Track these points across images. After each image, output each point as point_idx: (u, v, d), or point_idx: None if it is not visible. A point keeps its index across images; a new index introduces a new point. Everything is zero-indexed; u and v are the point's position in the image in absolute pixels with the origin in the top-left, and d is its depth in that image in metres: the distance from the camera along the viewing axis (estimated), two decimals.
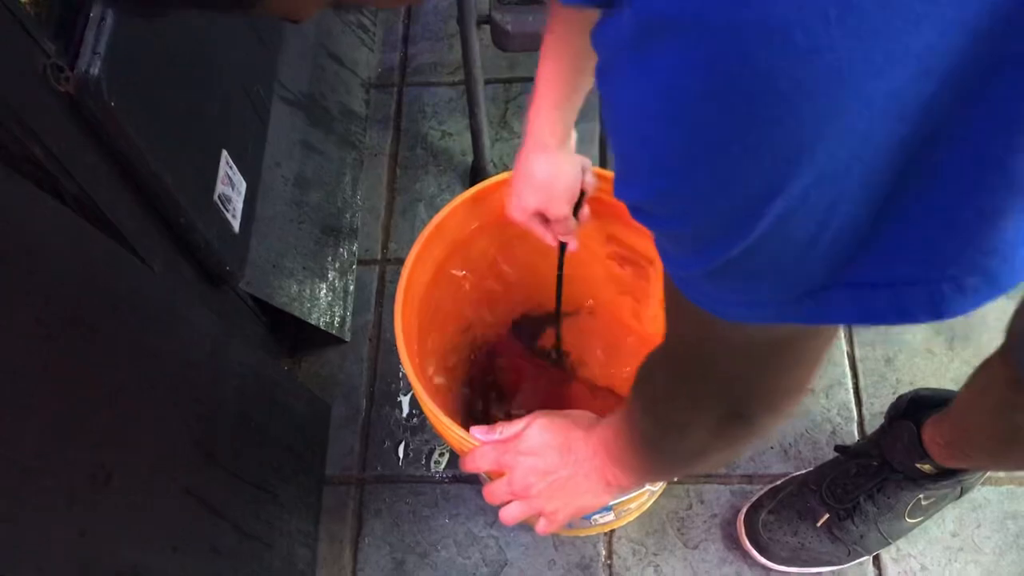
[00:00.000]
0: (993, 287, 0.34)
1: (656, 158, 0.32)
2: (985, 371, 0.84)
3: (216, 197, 0.94)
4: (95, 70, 0.71)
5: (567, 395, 1.16)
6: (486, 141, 1.31)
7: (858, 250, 0.33)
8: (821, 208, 0.31)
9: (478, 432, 0.79)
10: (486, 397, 1.13)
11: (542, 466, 0.75)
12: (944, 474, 0.98)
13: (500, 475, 0.79)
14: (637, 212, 0.35)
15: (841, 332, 1.23)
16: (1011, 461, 0.89)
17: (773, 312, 0.37)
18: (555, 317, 1.05)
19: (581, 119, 1.42)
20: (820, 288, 0.34)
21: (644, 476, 0.73)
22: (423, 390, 0.82)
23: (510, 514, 0.78)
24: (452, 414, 0.83)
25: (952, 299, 0.34)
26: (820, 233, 0.32)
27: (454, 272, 0.98)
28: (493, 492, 0.79)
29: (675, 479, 0.84)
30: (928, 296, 0.34)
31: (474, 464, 0.79)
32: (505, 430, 0.78)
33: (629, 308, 1.08)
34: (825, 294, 0.35)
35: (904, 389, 1.08)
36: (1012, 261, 0.33)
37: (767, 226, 0.32)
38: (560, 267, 0.95)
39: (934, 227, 0.32)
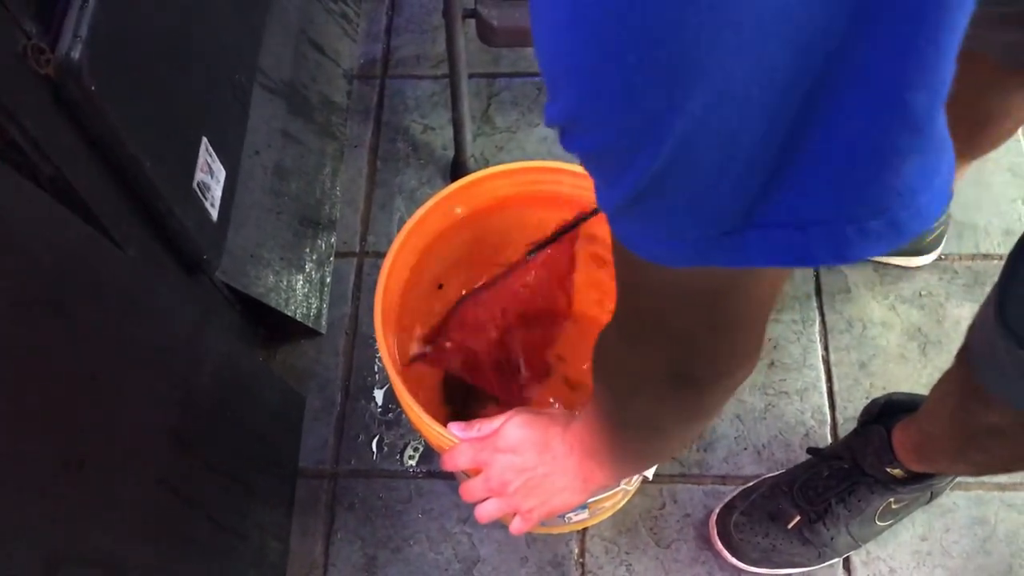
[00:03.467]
0: (896, 232, 0.34)
1: (567, 70, 0.32)
2: (947, 377, 0.85)
3: (195, 185, 0.93)
4: (76, 54, 0.70)
5: (546, 393, 1.16)
6: (468, 136, 1.30)
7: (766, 188, 0.33)
8: (723, 133, 0.31)
9: (456, 429, 0.79)
10: (465, 393, 1.13)
11: (519, 463, 0.75)
12: (914, 478, 0.99)
13: (477, 472, 0.78)
14: (563, 136, 0.35)
15: (817, 336, 1.24)
16: (971, 465, 0.90)
17: (692, 252, 0.36)
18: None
19: None
20: (733, 229, 0.35)
21: (618, 464, 0.73)
22: (401, 384, 0.82)
23: (485, 511, 0.78)
24: (429, 409, 0.82)
25: (855, 242, 0.34)
26: (726, 163, 0.32)
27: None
28: (469, 489, 0.78)
29: (650, 469, 0.84)
30: (832, 238, 0.34)
31: (452, 462, 0.78)
32: (483, 427, 0.78)
33: (608, 314, 1.08)
34: (738, 235, 0.35)
35: (877, 394, 1.09)
36: (914, 207, 0.33)
37: (672, 148, 0.32)
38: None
39: (837, 167, 0.32)
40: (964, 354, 0.78)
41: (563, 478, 0.75)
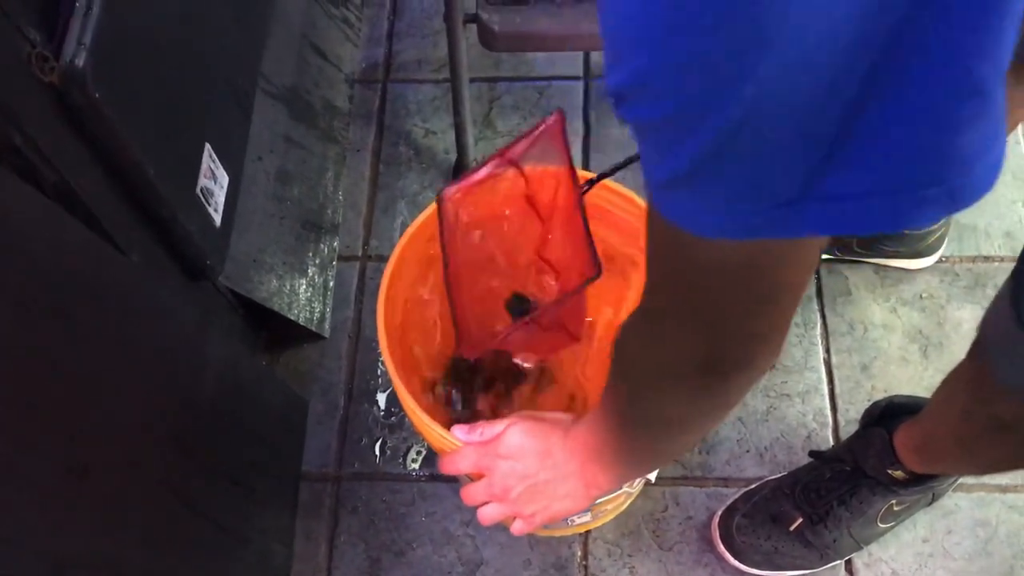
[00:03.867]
0: (952, 200, 0.35)
1: (638, 33, 0.32)
2: (954, 375, 0.85)
3: (198, 190, 0.94)
4: (80, 61, 0.70)
5: (545, 400, 1.16)
6: (470, 140, 1.30)
7: (827, 158, 0.33)
8: (790, 102, 0.31)
9: (459, 432, 0.79)
10: (468, 395, 1.13)
11: (521, 470, 0.76)
12: (916, 480, 0.99)
13: (478, 476, 0.79)
14: (622, 103, 0.36)
15: (819, 339, 1.24)
16: (977, 464, 0.90)
17: (747, 224, 0.37)
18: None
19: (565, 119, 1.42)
20: (791, 200, 0.35)
21: (623, 467, 0.73)
22: (403, 387, 0.82)
23: (488, 515, 0.79)
24: (432, 412, 0.83)
25: (912, 210, 0.35)
26: (790, 132, 0.33)
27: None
28: (471, 494, 0.79)
29: (652, 472, 0.84)
30: (890, 207, 0.34)
31: (454, 466, 0.79)
32: (485, 431, 0.78)
33: (605, 321, 1.09)
34: (797, 206, 0.35)
35: (879, 396, 1.10)
36: (971, 175, 0.34)
37: (739, 115, 0.32)
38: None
39: (898, 137, 0.33)
40: (976, 349, 0.78)
41: (564, 485, 0.75)
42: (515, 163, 0.90)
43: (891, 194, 0.34)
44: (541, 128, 0.89)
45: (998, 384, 0.74)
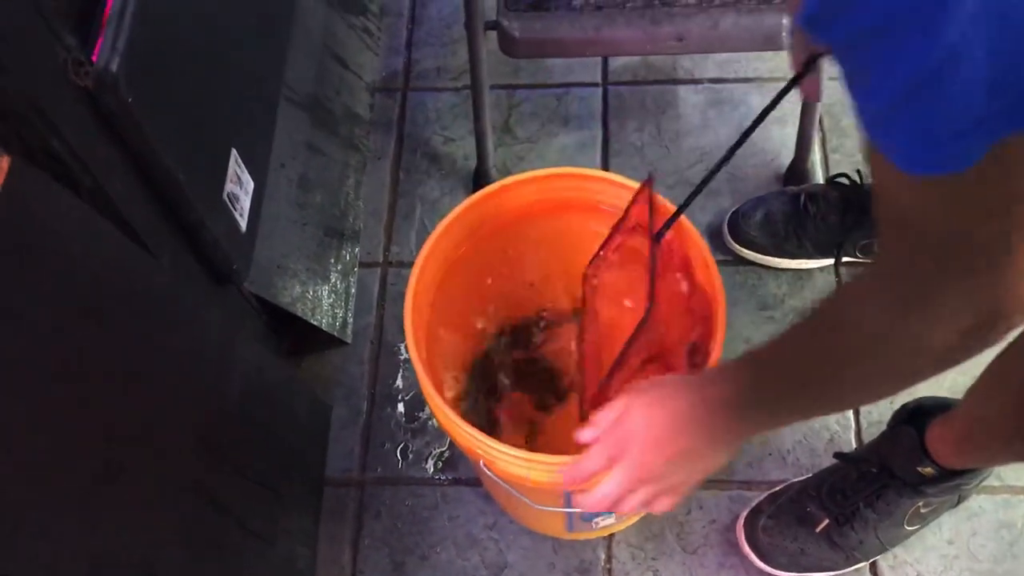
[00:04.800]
0: None
1: None
2: (1006, 354, 0.83)
3: (225, 196, 0.95)
4: (114, 66, 0.71)
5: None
6: (489, 147, 1.31)
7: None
8: (995, 29, 0.32)
9: (584, 436, 0.72)
10: (493, 396, 1.14)
11: (660, 449, 0.69)
12: (944, 477, 0.99)
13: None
14: (831, 22, 0.36)
15: None
16: (1018, 448, 0.88)
17: (960, 150, 0.37)
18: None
19: (583, 125, 1.43)
20: (983, 118, 0.36)
21: (773, 418, 0.69)
22: (430, 385, 0.83)
23: (631, 503, 0.72)
24: (458, 415, 0.83)
25: None
26: (998, 56, 0.33)
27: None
28: (626, 500, 0.71)
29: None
30: None
31: (582, 472, 0.72)
32: (601, 417, 0.72)
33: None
34: (991, 122, 0.36)
35: (903, 399, 1.09)
36: None
37: (957, 32, 0.32)
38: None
39: None
40: None
41: (710, 444, 0.70)
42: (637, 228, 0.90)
43: None
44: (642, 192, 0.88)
45: None
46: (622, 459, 0.69)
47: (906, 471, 1.00)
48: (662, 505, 0.72)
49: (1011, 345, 0.83)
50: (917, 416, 1.00)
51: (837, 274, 1.28)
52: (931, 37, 0.33)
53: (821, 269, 1.28)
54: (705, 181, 0.83)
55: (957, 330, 0.51)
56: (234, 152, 0.97)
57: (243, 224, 1.00)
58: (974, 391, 0.92)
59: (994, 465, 1.01)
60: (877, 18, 0.34)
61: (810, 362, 0.63)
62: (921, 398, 1.02)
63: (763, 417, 0.70)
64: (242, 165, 0.99)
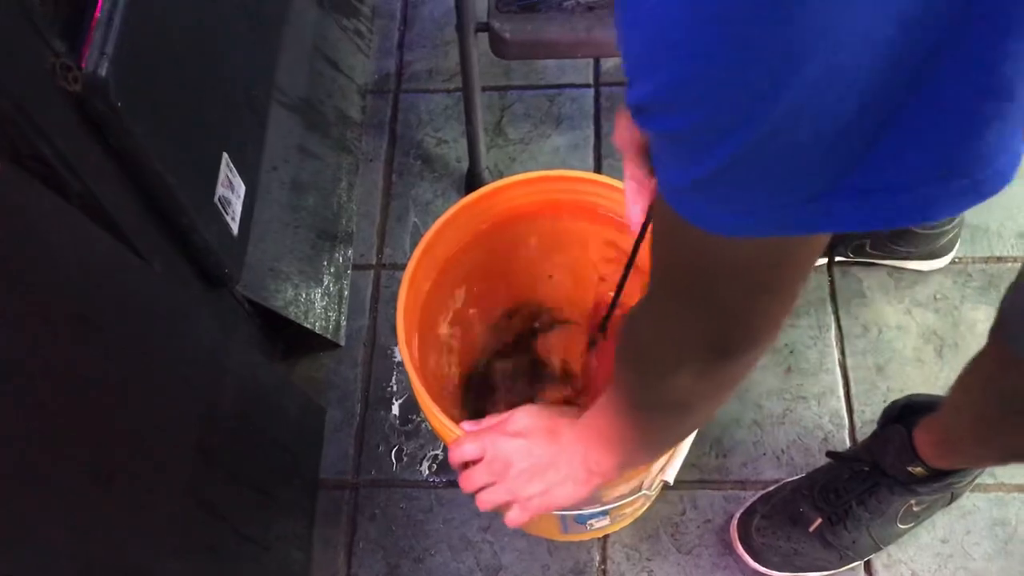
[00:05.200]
0: (977, 192, 0.36)
1: (673, 44, 0.33)
2: (974, 362, 0.85)
3: (216, 199, 0.95)
4: (103, 71, 0.71)
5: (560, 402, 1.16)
6: (482, 148, 1.31)
7: (859, 156, 0.34)
8: (827, 107, 0.32)
9: (466, 425, 0.80)
10: (484, 402, 1.13)
11: (524, 448, 0.76)
12: (935, 477, 0.99)
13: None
14: (642, 114, 0.36)
15: (833, 341, 1.24)
16: (997, 453, 0.90)
17: (766, 222, 0.37)
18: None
19: (575, 127, 1.43)
20: (818, 197, 0.36)
21: (628, 452, 0.73)
22: (423, 390, 0.82)
23: (487, 499, 0.78)
24: (450, 415, 0.83)
25: (939, 203, 0.36)
26: (824, 135, 0.33)
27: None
28: (471, 477, 0.78)
29: (655, 457, 0.83)
30: (918, 200, 0.35)
31: (460, 451, 0.78)
32: (492, 420, 0.79)
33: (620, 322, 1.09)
34: (823, 202, 0.36)
35: (895, 397, 1.09)
36: (994, 167, 0.35)
37: (774, 122, 0.32)
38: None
39: (929, 135, 0.34)
40: (997, 330, 0.78)
41: (567, 468, 0.75)
42: None
43: (918, 188, 0.35)
44: None
45: (1022, 362, 0.74)
46: (491, 449, 0.77)
47: (897, 470, 1.00)
48: (511, 515, 0.78)
49: (974, 359, 0.84)
50: (907, 414, 1.00)
51: (830, 274, 1.29)
52: (742, 140, 0.34)
53: (815, 268, 1.29)
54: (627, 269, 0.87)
55: (691, 357, 0.55)
56: (225, 156, 0.97)
57: (235, 228, 1.00)
58: (948, 399, 0.92)
59: (974, 467, 1.01)
60: (695, 121, 0.34)
61: (616, 382, 0.67)
62: (911, 395, 1.03)
63: (616, 442, 0.72)
64: (233, 169, 0.99)
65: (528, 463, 0.75)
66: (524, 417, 0.77)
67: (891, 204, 0.35)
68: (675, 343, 0.55)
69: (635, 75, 0.35)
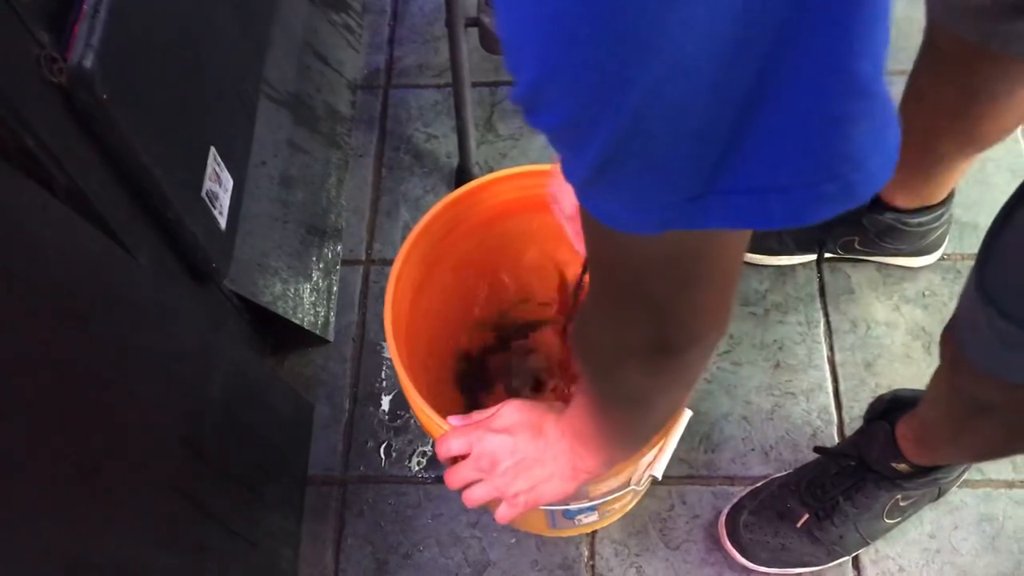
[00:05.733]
0: (848, 195, 0.36)
1: (527, 46, 0.33)
2: (939, 366, 0.86)
3: (204, 193, 0.94)
4: (88, 63, 0.71)
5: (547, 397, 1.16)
6: (472, 144, 1.31)
7: (724, 156, 0.34)
8: (676, 105, 0.32)
9: (452, 418, 0.80)
10: (473, 397, 1.13)
11: (510, 445, 0.75)
12: (919, 473, 1.00)
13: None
14: (528, 114, 0.37)
15: (822, 337, 1.25)
16: (969, 449, 0.90)
17: (658, 219, 0.38)
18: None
19: None
20: (696, 196, 0.36)
21: (606, 450, 0.73)
22: (410, 384, 0.82)
23: (474, 495, 0.78)
24: (439, 411, 0.83)
25: (810, 206, 0.36)
26: (680, 133, 0.33)
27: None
28: (457, 473, 0.78)
29: (634, 451, 0.83)
30: (789, 203, 0.35)
31: (446, 446, 0.78)
32: (477, 416, 0.79)
33: None
34: (701, 201, 0.36)
35: (880, 390, 1.10)
36: (865, 170, 0.35)
37: (627, 120, 0.33)
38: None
39: (790, 135, 0.34)
40: (949, 333, 0.79)
41: (553, 463, 0.75)
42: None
43: (786, 190, 0.35)
44: None
45: (971, 365, 0.75)
46: (477, 446, 0.77)
47: (882, 466, 1.00)
48: (500, 511, 0.78)
49: (943, 358, 0.84)
50: (892, 409, 1.00)
51: (819, 270, 1.29)
52: (606, 134, 0.34)
53: (803, 265, 1.29)
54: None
55: (635, 354, 0.55)
56: (213, 150, 0.96)
57: (223, 222, 1.00)
58: (924, 398, 0.93)
59: (953, 463, 1.02)
60: (562, 116, 0.35)
61: (584, 378, 0.67)
62: (897, 390, 1.03)
63: (592, 441, 0.72)
64: (221, 163, 0.98)
65: (514, 460, 0.75)
66: (510, 413, 0.76)
67: (763, 206, 0.36)
68: (616, 340, 0.56)
69: (512, 73, 0.36)
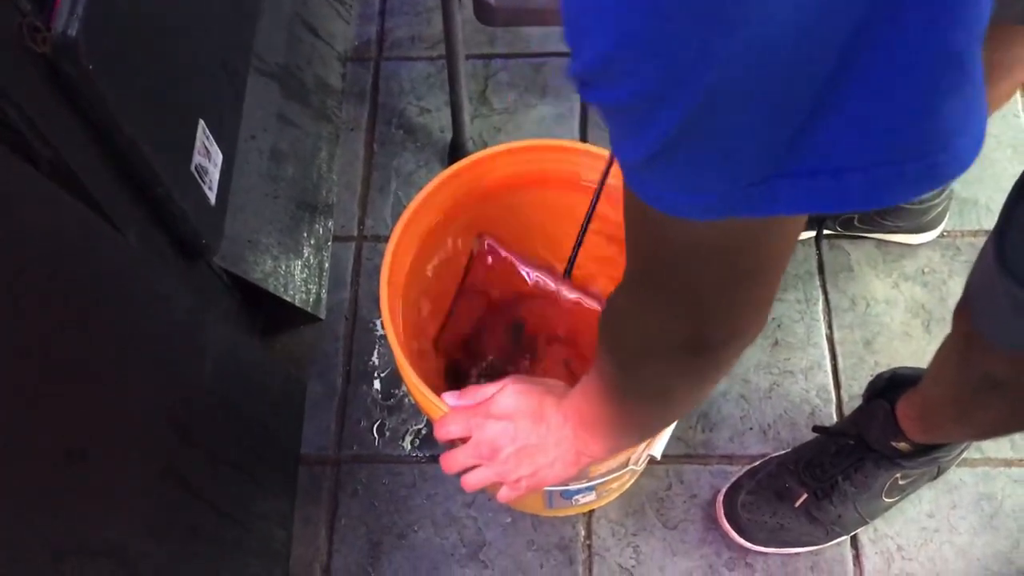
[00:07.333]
0: (933, 176, 0.34)
1: (599, 15, 0.32)
2: (949, 337, 0.85)
3: (193, 168, 0.92)
4: (72, 31, 0.68)
5: (543, 370, 1.14)
6: (466, 118, 1.29)
7: (798, 136, 0.33)
8: (757, 82, 0.31)
9: (449, 397, 0.78)
10: (468, 375, 1.12)
11: (512, 431, 0.74)
12: (919, 452, 0.99)
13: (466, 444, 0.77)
14: (586, 88, 0.35)
15: (821, 315, 1.23)
16: (975, 426, 0.89)
17: (719, 203, 0.36)
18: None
19: (561, 96, 1.41)
20: (761, 179, 0.34)
21: (614, 437, 0.71)
22: (407, 363, 0.81)
23: (474, 479, 0.76)
24: (435, 391, 0.81)
25: (891, 187, 0.34)
26: (758, 112, 0.32)
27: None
28: (455, 457, 0.76)
29: (645, 442, 0.83)
30: (868, 184, 0.34)
31: (445, 430, 0.77)
32: (476, 395, 0.77)
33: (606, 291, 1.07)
34: (767, 184, 0.34)
35: (882, 371, 1.09)
36: (952, 150, 0.33)
37: (703, 97, 0.31)
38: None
39: (874, 112, 0.32)
40: (963, 306, 0.78)
41: (556, 449, 0.73)
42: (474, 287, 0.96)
43: (868, 169, 0.33)
44: (476, 259, 0.96)
45: (986, 340, 0.74)
46: (477, 433, 0.75)
47: (881, 445, 0.99)
48: (502, 493, 0.77)
49: (950, 334, 0.83)
50: (892, 387, 0.99)
51: (818, 247, 1.27)
52: (677, 110, 0.32)
53: (802, 242, 1.27)
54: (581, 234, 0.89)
55: (668, 349, 0.53)
56: (201, 123, 0.94)
57: (212, 197, 0.97)
58: (926, 375, 0.92)
59: (956, 441, 1.01)
60: (630, 91, 0.33)
61: (596, 367, 0.65)
62: (896, 368, 1.02)
63: (600, 427, 0.71)
64: (210, 136, 0.96)
65: (515, 447, 0.73)
66: (509, 397, 0.74)
67: (839, 187, 0.34)
68: (652, 334, 0.53)
69: (574, 45, 0.34)
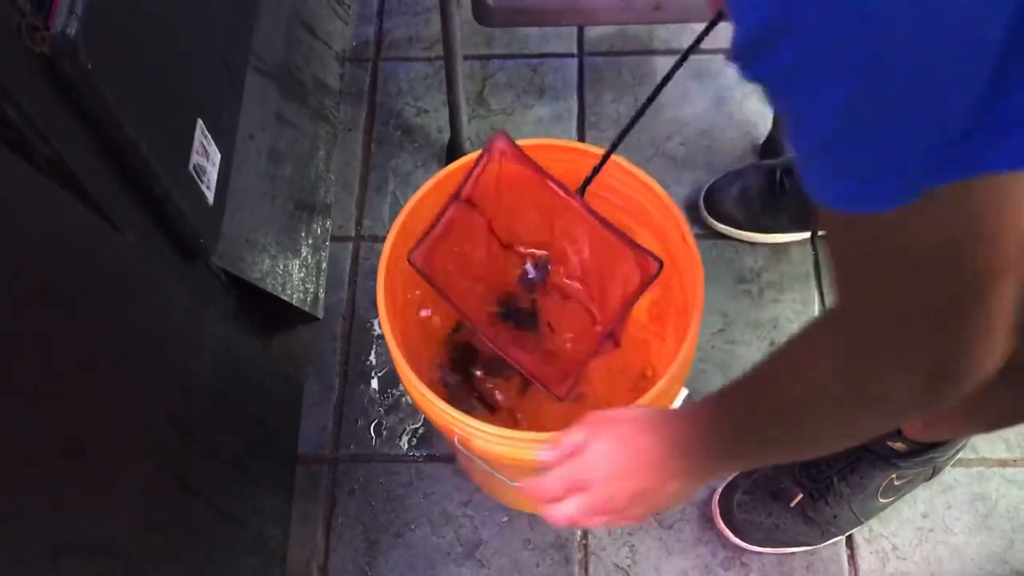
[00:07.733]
0: None
1: None
2: None
3: (191, 167, 0.92)
4: (71, 31, 0.68)
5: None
6: (463, 118, 1.29)
7: (1002, 78, 0.31)
8: (945, 26, 0.30)
9: (546, 454, 0.71)
10: (466, 370, 1.12)
11: (622, 489, 0.68)
12: (915, 452, 0.99)
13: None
14: (760, 54, 0.33)
15: (817, 316, 1.24)
16: (983, 419, 0.88)
17: (921, 173, 0.33)
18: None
19: (558, 97, 1.41)
20: (963, 134, 0.32)
21: (738, 465, 0.68)
22: (404, 361, 0.81)
23: (591, 524, 0.71)
24: (429, 385, 0.81)
25: None
26: (950, 58, 0.31)
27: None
28: (563, 511, 0.69)
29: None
30: None
31: (547, 493, 0.70)
32: (564, 442, 0.71)
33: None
34: (971, 141, 0.32)
35: None
36: None
37: (891, 46, 0.30)
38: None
39: None
40: None
41: (671, 485, 0.68)
42: (470, 202, 0.89)
43: None
44: (487, 156, 0.86)
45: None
46: (585, 491, 0.68)
47: (878, 444, 1.00)
48: (620, 523, 0.74)
49: None
50: None
51: (814, 248, 1.28)
52: (866, 61, 0.31)
53: (798, 243, 1.28)
54: (626, 130, 0.84)
55: (906, 385, 0.47)
56: (200, 122, 0.94)
57: (210, 197, 0.97)
58: None
59: (960, 437, 1.01)
60: (812, 46, 0.32)
61: (764, 409, 0.60)
62: None
63: (720, 462, 0.68)
64: (208, 136, 0.96)
65: (628, 500, 0.68)
66: (604, 452, 0.68)
67: None
68: (886, 381, 0.46)
69: (744, 9, 0.33)
